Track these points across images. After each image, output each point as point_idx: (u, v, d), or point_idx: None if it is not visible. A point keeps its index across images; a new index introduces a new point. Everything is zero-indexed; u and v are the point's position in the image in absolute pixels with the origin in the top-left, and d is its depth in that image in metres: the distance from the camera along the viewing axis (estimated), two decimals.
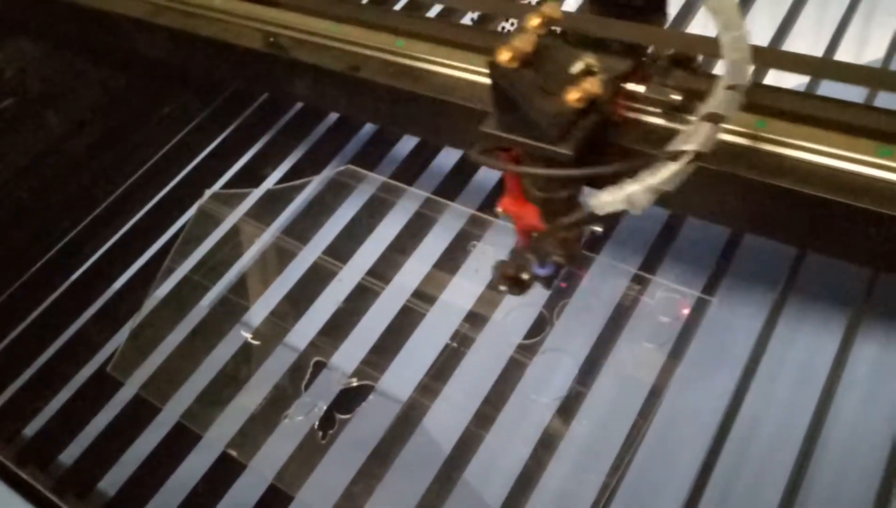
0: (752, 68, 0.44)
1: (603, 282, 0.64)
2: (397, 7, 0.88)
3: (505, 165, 0.48)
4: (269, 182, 0.81)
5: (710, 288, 0.62)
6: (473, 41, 0.59)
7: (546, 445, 0.56)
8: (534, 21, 0.44)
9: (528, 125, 0.44)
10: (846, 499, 0.56)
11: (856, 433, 0.58)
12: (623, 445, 0.54)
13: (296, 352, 0.66)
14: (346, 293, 0.69)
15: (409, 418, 0.60)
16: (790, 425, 0.56)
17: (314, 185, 0.78)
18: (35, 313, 0.75)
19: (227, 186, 0.82)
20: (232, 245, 0.75)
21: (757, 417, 0.59)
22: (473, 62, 0.59)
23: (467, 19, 0.89)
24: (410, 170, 0.77)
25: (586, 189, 0.48)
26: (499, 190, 0.65)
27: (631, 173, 0.42)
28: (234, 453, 0.60)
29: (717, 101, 0.43)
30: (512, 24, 0.89)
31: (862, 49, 0.85)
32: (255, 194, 0.79)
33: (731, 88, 0.43)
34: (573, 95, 0.43)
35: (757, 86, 0.50)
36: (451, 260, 0.68)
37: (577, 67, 0.45)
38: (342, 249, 0.72)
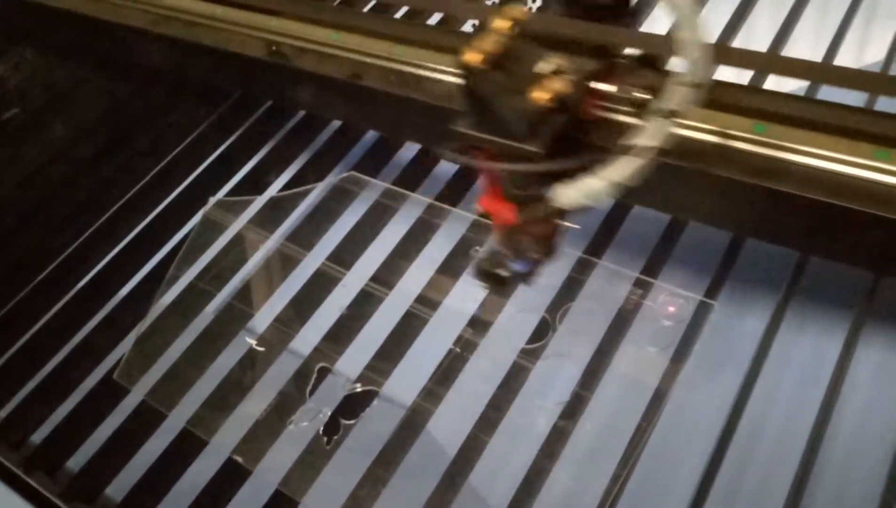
0: (709, 65, 0.46)
1: (605, 286, 0.65)
2: (397, 16, 0.88)
3: (471, 161, 0.48)
4: (273, 189, 0.82)
5: (712, 292, 0.62)
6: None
7: (550, 449, 0.56)
8: (499, 23, 0.45)
9: (499, 124, 0.45)
10: (850, 501, 0.56)
11: (859, 435, 0.58)
12: (627, 449, 0.54)
13: (300, 358, 0.66)
14: (350, 299, 0.69)
15: (413, 423, 0.60)
16: (794, 428, 0.56)
17: (317, 192, 0.78)
18: (42, 321, 0.76)
19: (231, 193, 0.82)
20: (236, 252, 0.75)
21: (760, 420, 0.59)
22: None
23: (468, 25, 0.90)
24: (413, 176, 0.78)
25: None
26: None
27: (590, 168, 0.43)
28: (239, 459, 0.61)
29: (668, 97, 0.45)
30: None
31: (862, 52, 0.85)
32: (259, 201, 0.79)
33: (685, 84, 0.45)
34: (542, 95, 0.44)
35: (754, 90, 0.51)
36: (453, 265, 0.69)
37: (546, 67, 0.46)
38: (346, 255, 0.72)
